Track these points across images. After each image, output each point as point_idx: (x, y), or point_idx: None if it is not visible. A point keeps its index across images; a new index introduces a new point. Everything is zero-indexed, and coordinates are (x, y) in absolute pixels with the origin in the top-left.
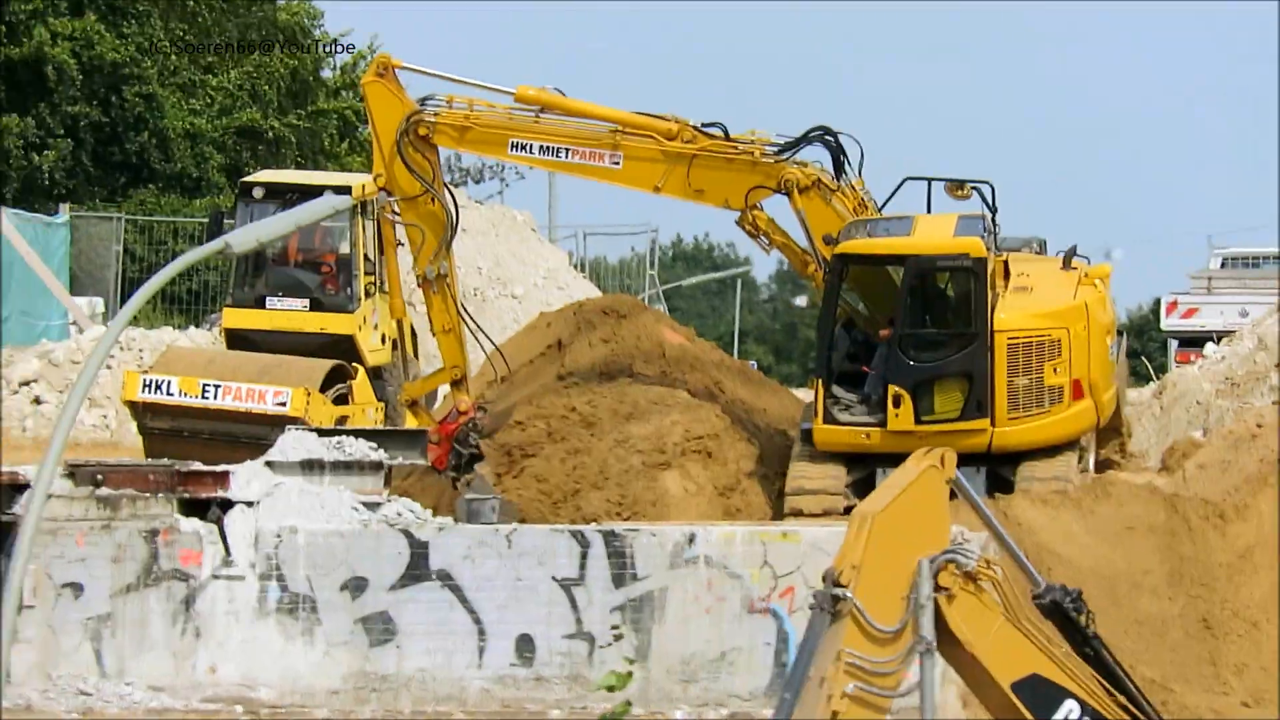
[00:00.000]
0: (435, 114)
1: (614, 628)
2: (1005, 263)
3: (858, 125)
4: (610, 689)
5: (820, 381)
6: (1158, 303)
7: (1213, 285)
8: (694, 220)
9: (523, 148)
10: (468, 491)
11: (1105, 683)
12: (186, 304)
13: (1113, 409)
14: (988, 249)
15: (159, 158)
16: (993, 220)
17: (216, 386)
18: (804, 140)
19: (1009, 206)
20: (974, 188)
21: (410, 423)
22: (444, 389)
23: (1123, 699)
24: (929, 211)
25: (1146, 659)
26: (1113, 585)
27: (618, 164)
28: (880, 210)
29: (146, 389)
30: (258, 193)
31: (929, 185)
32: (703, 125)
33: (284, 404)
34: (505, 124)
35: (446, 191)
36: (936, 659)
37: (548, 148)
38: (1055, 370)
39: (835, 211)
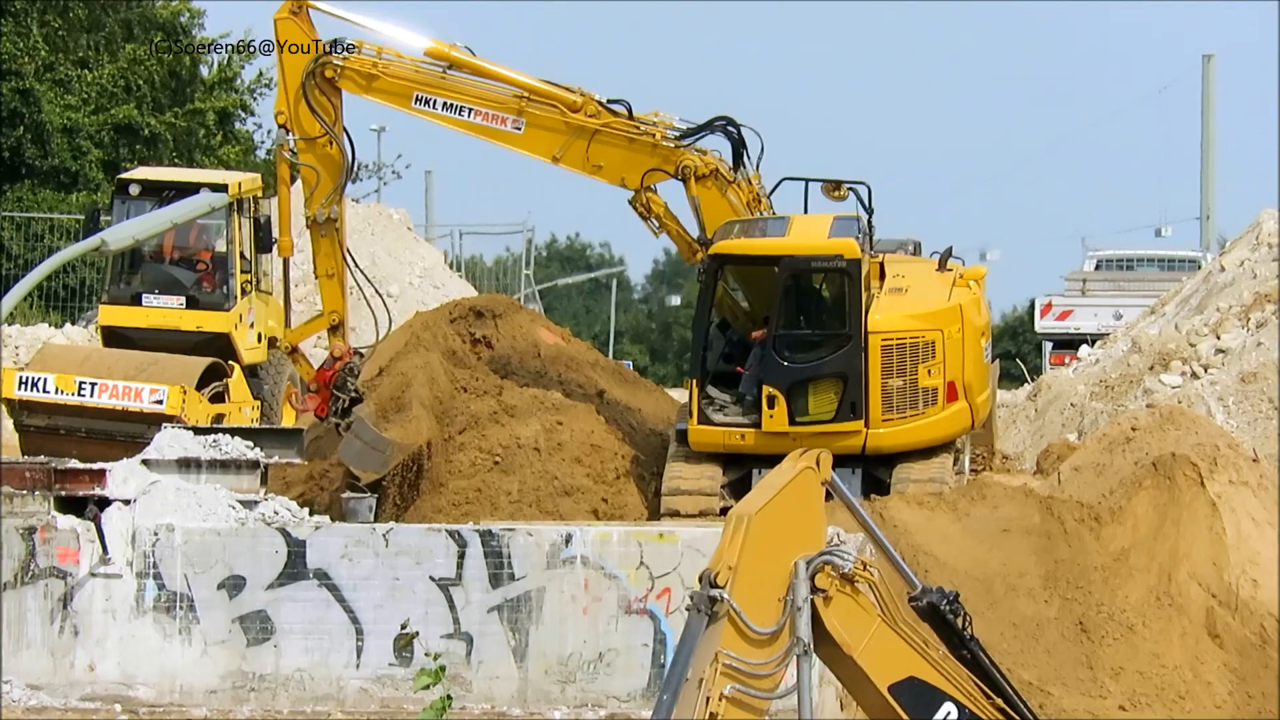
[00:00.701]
0: (344, 59)
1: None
2: (881, 264)
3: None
4: (426, 688)
5: (694, 382)
6: (1032, 304)
7: (1087, 287)
8: (569, 220)
9: (427, 102)
10: (346, 494)
11: (983, 685)
12: (63, 300)
13: (987, 411)
14: (862, 250)
15: (35, 153)
16: (868, 221)
17: (93, 384)
18: (706, 128)
19: (884, 208)
20: (850, 188)
21: (288, 420)
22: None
23: (1000, 701)
24: (805, 212)
25: (1023, 661)
26: (989, 587)
27: (519, 129)
28: (771, 208)
29: (22, 386)
30: (134, 190)
31: (806, 186)
32: (607, 101)
33: (160, 402)
34: (412, 77)
35: (346, 137)
36: (814, 661)
37: (451, 105)
38: (929, 372)
39: (729, 203)
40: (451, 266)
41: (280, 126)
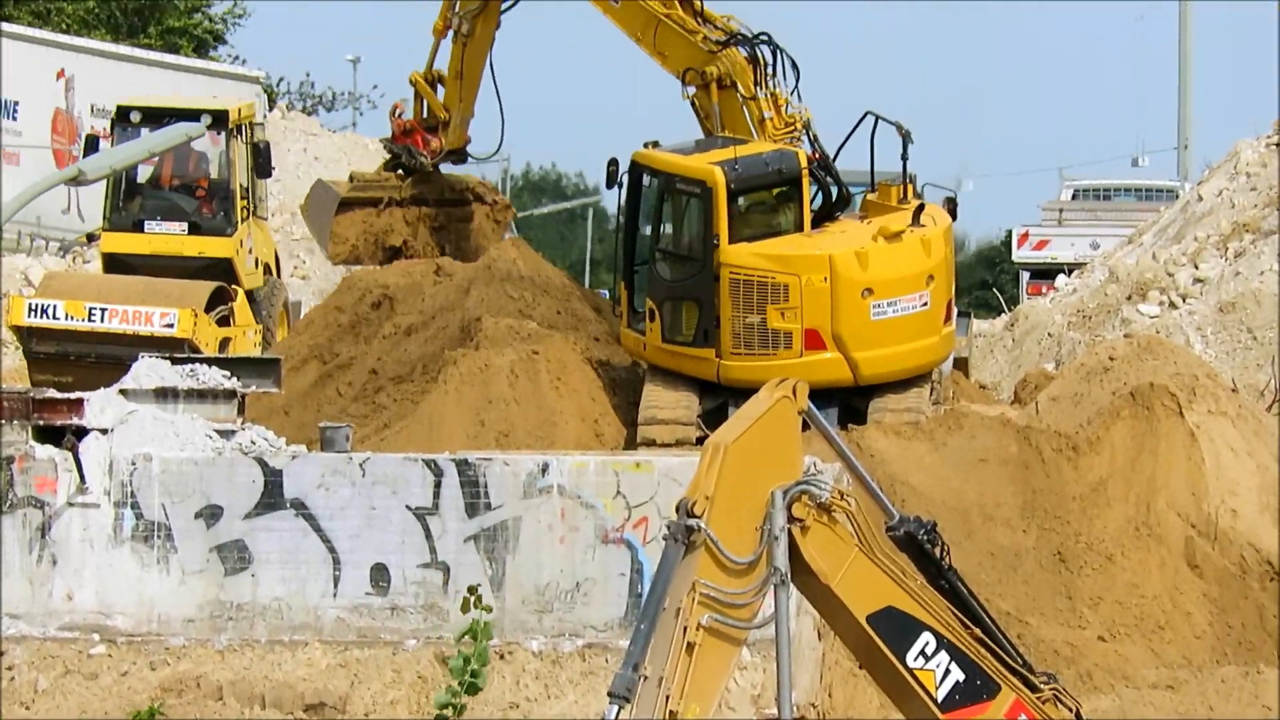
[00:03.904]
0: None
1: (471, 590)
2: (803, 201)
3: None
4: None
5: (624, 283)
6: (1009, 235)
7: (1064, 218)
8: (544, 150)
9: None
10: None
11: (961, 615)
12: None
13: (891, 369)
14: (731, 180)
15: None
16: (904, 168)
17: (103, 309)
18: (740, 39)
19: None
20: (905, 132)
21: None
22: None
23: (978, 631)
24: (871, 148)
25: (1001, 591)
26: (966, 517)
27: (617, 3)
28: (814, 136)
29: (32, 313)
30: (135, 116)
31: (876, 121)
32: None
33: (171, 325)
34: None
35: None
36: (791, 591)
37: None
38: (783, 315)
39: (744, 117)
40: None
41: None
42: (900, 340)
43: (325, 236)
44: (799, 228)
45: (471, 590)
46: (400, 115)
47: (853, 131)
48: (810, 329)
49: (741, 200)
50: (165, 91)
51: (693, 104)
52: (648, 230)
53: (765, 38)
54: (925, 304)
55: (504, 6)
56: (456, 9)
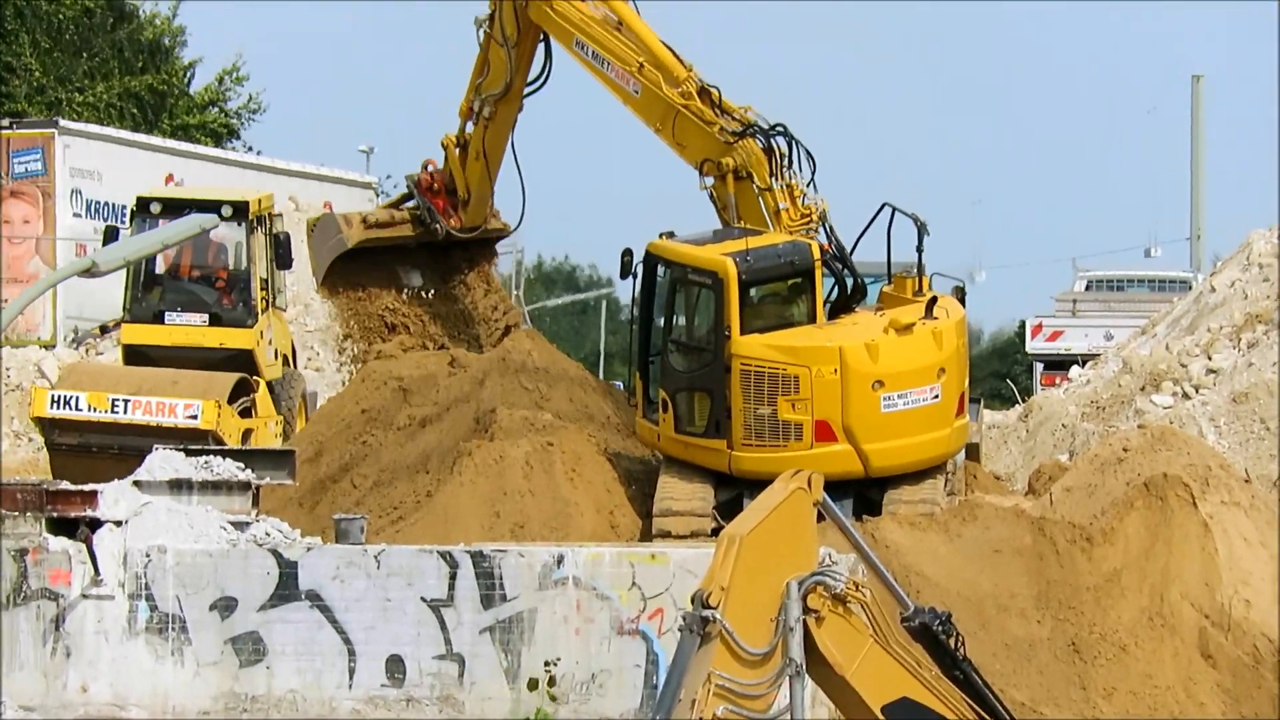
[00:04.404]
0: None
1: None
2: (815, 293)
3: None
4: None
5: (639, 374)
6: (1023, 325)
7: (1077, 308)
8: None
9: (582, 47)
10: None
11: (976, 706)
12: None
13: (902, 462)
14: (743, 272)
15: None
16: (919, 260)
17: (126, 401)
18: (757, 130)
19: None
20: (921, 224)
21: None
22: None
23: None
24: (889, 239)
25: (1016, 682)
26: (980, 608)
27: (637, 93)
28: (829, 227)
29: (55, 404)
30: (155, 208)
31: (893, 213)
32: (704, 85)
33: (195, 417)
34: (578, 20)
35: (544, 66)
36: (806, 681)
37: (598, 55)
38: (793, 406)
39: (759, 208)
40: None
41: (490, 11)
42: (911, 432)
43: (322, 271)
44: (812, 319)
45: (532, 683)
46: (430, 170)
47: (870, 223)
48: (821, 420)
49: (754, 291)
50: (280, 197)
51: (710, 195)
52: (661, 321)
53: (781, 128)
54: (937, 396)
55: (526, 91)
56: (479, 91)
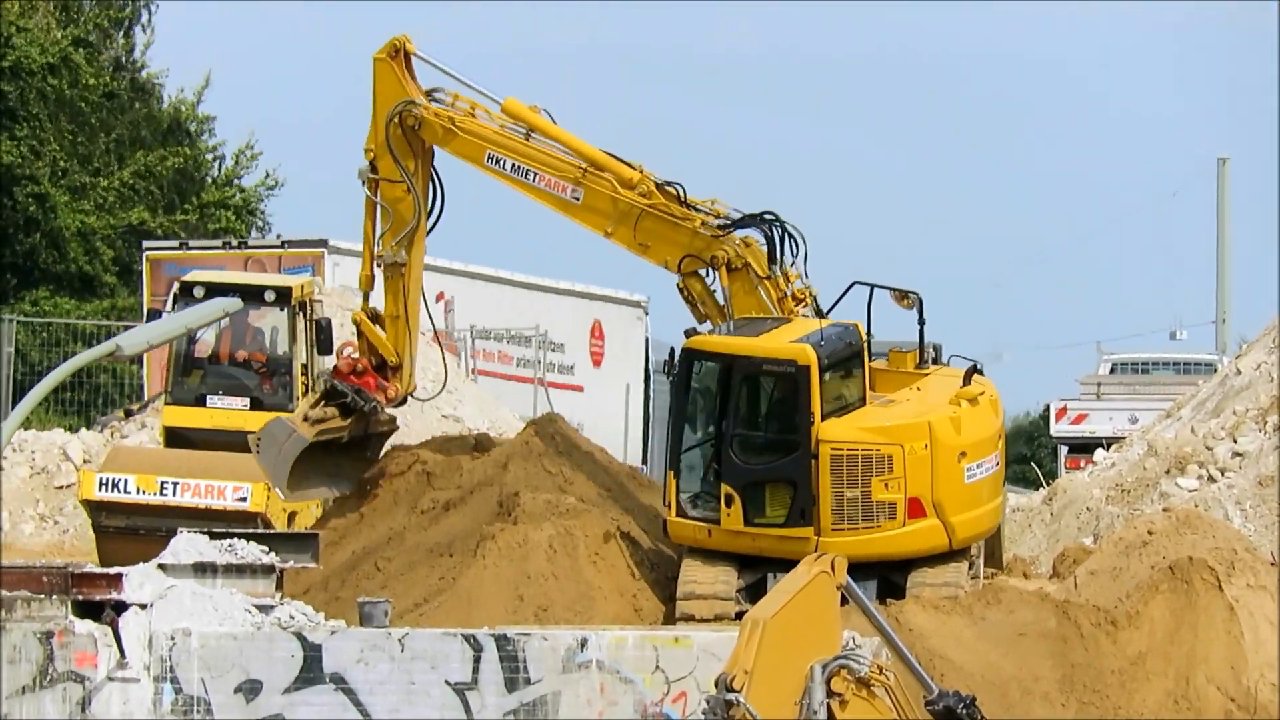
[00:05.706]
0: (424, 108)
1: None
2: (865, 373)
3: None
4: None
5: (672, 473)
6: (1047, 409)
7: (1102, 391)
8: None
9: (497, 162)
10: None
11: None
12: (80, 405)
13: (979, 530)
14: (822, 357)
15: (51, 258)
16: (920, 333)
17: (175, 483)
18: (747, 220)
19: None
20: (915, 297)
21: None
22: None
23: None
24: (869, 318)
25: None
26: (1004, 691)
27: (578, 200)
28: (817, 308)
29: (103, 488)
30: (198, 292)
31: (871, 291)
32: (663, 182)
33: (244, 499)
34: (488, 134)
35: (432, 186)
36: None
37: (519, 167)
38: (886, 486)
39: (758, 298)
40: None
41: (369, 162)
42: (984, 501)
43: (282, 476)
44: (862, 400)
45: None
46: (348, 354)
47: (838, 301)
48: (913, 498)
49: (827, 376)
50: (547, 315)
51: (681, 290)
52: (704, 417)
53: (771, 215)
54: (997, 464)
55: (430, 225)
56: (379, 250)
